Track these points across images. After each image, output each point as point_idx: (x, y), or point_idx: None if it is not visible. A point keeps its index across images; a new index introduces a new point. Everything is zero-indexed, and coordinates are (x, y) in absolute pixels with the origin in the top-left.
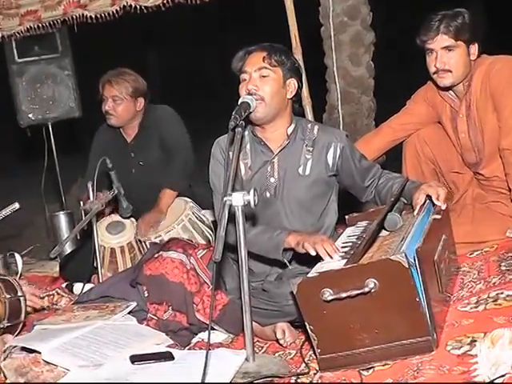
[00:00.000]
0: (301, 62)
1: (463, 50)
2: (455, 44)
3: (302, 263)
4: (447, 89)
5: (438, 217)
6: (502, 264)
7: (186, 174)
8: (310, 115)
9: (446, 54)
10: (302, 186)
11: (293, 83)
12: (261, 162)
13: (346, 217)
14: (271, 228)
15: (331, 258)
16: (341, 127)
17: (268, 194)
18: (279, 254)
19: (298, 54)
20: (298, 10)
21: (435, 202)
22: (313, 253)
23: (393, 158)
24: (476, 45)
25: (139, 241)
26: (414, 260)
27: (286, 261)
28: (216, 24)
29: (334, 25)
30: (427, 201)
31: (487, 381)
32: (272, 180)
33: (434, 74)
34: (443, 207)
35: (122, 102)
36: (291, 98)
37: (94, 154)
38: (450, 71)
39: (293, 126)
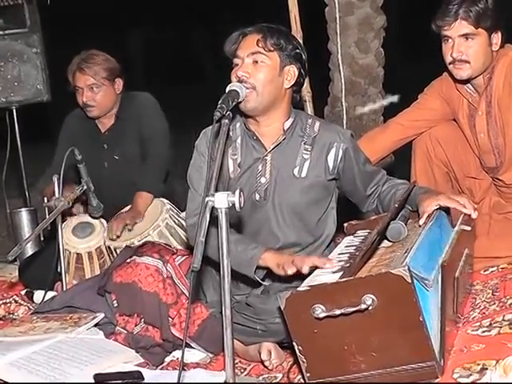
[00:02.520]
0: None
1: (484, 38)
2: (475, 32)
3: (285, 281)
4: (465, 82)
5: (468, 228)
6: None
7: (161, 175)
8: (309, 108)
9: (464, 42)
10: (297, 189)
11: (292, 71)
12: (252, 159)
13: (345, 225)
14: (248, 240)
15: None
16: (344, 122)
17: (257, 196)
18: (252, 270)
19: (298, 38)
20: None
21: (464, 210)
22: (293, 270)
23: (402, 160)
24: (499, 33)
25: (109, 247)
26: (437, 275)
27: (257, 279)
28: (207, 0)
29: (340, 5)
30: (437, 210)
31: None
32: (263, 180)
33: (449, 64)
34: (474, 215)
35: (100, 89)
36: (290, 88)
37: (62, 143)
38: (468, 62)
39: (291, 120)
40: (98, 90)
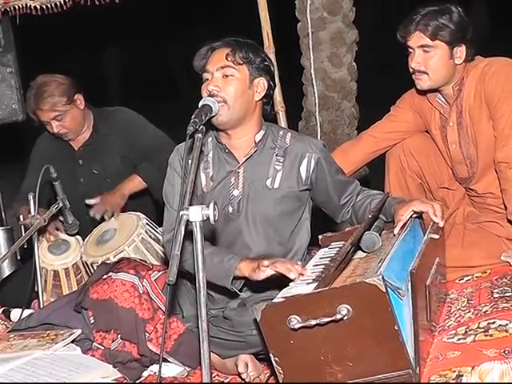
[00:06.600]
0: (274, 63)
1: (443, 51)
2: (432, 44)
3: (262, 290)
4: (433, 91)
5: (436, 237)
6: (495, 291)
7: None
8: (283, 123)
9: (422, 53)
10: (270, 200)
11: (262, 83)
12: (224, 172)
13: (320, 237)
14: (224, 251)
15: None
16: (318, 136)
17: (230, 209)
18: (229, 281)
19: (270, 54)
20: (271, 4)
21: (432, 217)
22: (270, 272)
23: (376, 172)
24: (463, 47)
25: (86, 263)
26: (406, 283)
27: (235, 290)
28: (181, 17)
29: (313, 21)
30: (412, 219)
31: None
32: (235, 193)
33: (412, 74)
34: (441, 224)
35: (65, 115)
36: (260, 100)
37: (33, 165)
38: (427, 73)
39: (262, 132)
40: (63, 117)
